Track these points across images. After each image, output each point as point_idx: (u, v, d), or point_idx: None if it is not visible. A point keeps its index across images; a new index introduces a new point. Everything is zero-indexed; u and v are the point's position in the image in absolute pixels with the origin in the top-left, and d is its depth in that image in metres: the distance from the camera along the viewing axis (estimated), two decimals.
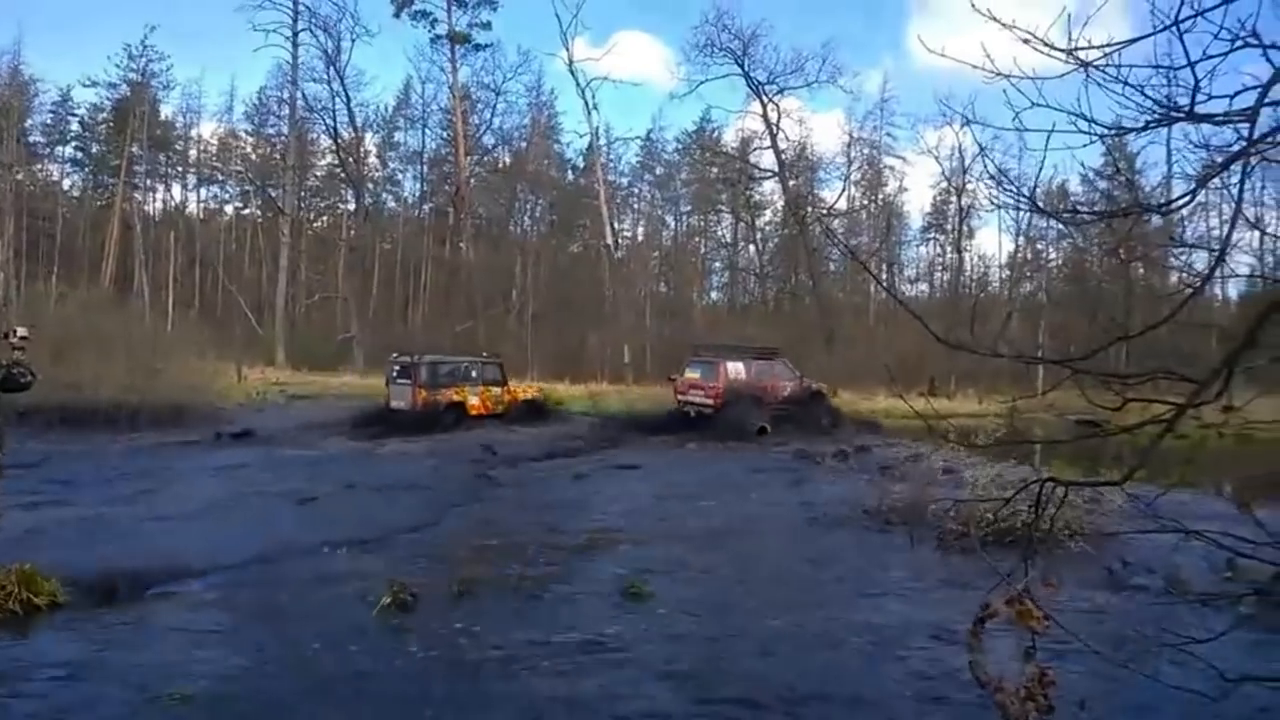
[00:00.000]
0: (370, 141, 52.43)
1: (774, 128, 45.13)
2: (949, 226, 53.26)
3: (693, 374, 19.20)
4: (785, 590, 6.79)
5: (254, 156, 53.52)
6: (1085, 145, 3.67)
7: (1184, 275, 4.38)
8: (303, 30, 44.36)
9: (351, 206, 51.55)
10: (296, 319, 48.69)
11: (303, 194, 53.68)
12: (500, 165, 53.58)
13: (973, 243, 54.30)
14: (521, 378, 41.49)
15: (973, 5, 3.73)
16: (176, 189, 54.93)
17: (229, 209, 56.19)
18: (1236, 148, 3.45)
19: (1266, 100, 3.32)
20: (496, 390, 20.39)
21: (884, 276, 55.19)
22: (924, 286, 56.57)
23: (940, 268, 55.66)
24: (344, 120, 45.54)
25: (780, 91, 44.36)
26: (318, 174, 54.26)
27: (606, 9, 68.64)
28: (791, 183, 48.38)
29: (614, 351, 45.99)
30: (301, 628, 5.57)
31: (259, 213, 53.22)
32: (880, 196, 54.44)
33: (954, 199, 49.02)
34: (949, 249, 54.06)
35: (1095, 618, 5.96)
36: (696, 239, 57.29)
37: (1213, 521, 3.79)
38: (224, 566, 6.94)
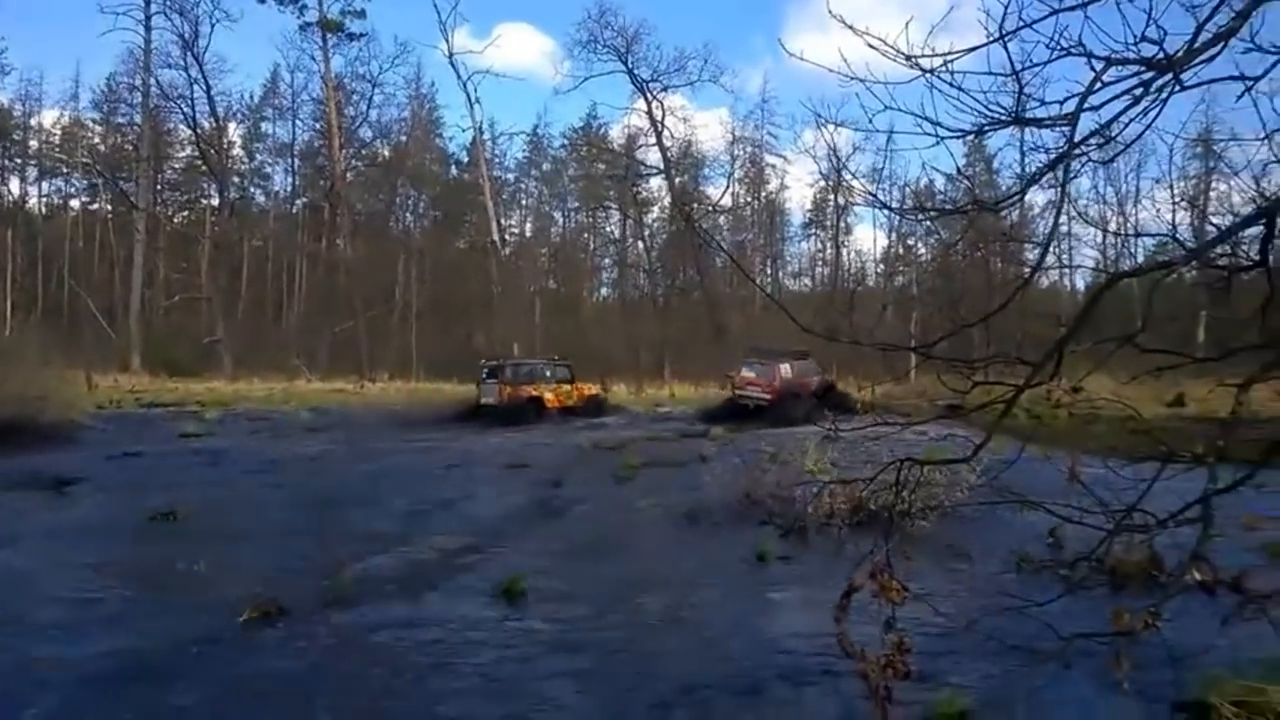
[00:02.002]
0: (234, 132, 50.03)
1: (659, 125, 45.76)
2: (828, 223, 55.34)
3: (749, 373, 22.58)
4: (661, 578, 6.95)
5: (103, 147, 50.09)
6: (931, 146, 3.99)
7: (1019, 267, 4.77)
8: (156, 13, 41.91)
9: (215, 201, 49.02)
10: (154, 321, 45.95)
11: (159, 187, 50.71)
12: (379, 159, 52.12)
13: (850, 238, 56.85)
14: (407, 378, 40.65)
15: (829, 10, 3.99)
16: (15, 182, 50.94)
17: (75, 204, 52.48)
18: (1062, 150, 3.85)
19: (1086, 106, 3.71)
20: (567, 387, 24.00)
21: (769, 271, 56.83)
22: (806, 281, 58.69)
23: (821, 263, 57.74)
24: (204, 109, 43.32)
25: (664, 89, 45.02)
26: (176, 166, 51.36)
27: (487, 0, 67.80)
28: (677, 179, 49.14)
29: (502, 349, 45.56)
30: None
31: (110, 208, 49.87)
32: (763, 194, 56.04)
33: (832, 197, 50.88)
34: (828, 245, 56.16)
35: (950, 588, 6.41)
36: (585, 235, 57.42)
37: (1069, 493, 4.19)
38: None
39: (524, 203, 58.09)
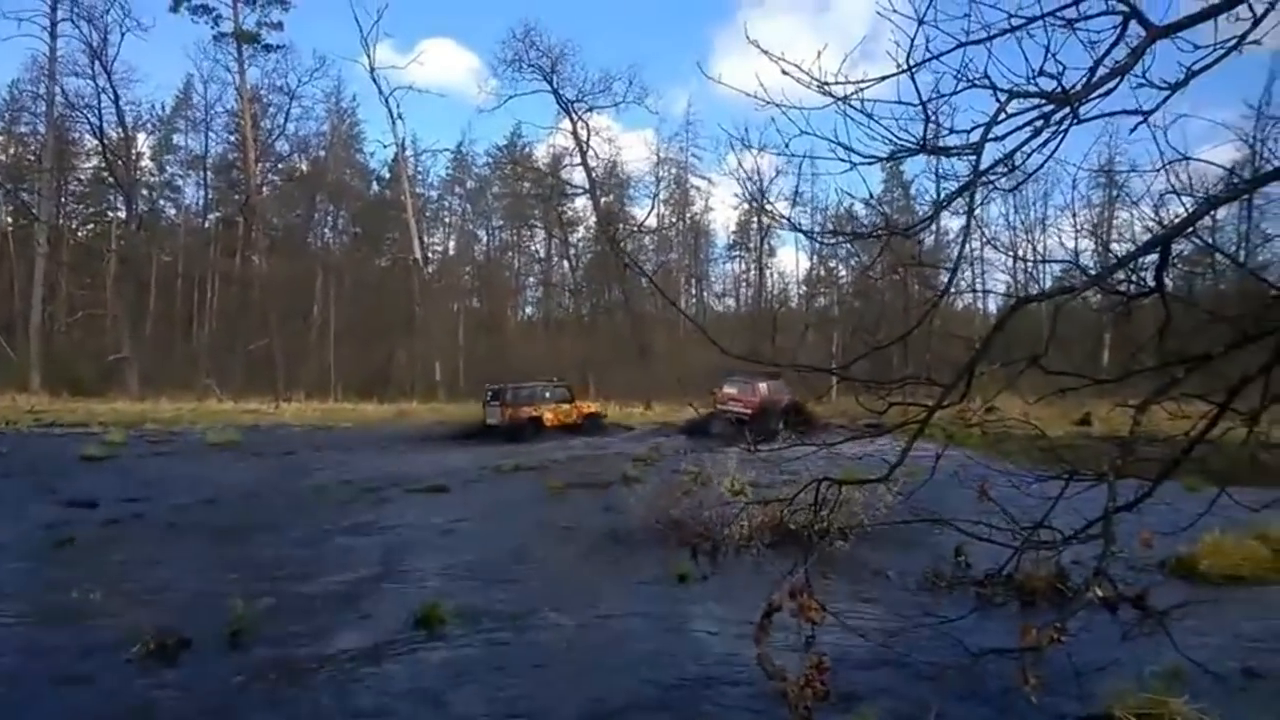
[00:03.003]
0: (144, 143, 48.12)
1: (584, 145, 45.86)
2: (752, 245, 56.24)
3: (730, 389, 24.60)
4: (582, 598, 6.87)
5: (3, 157, 47.56)
6: (845, 172, 4.06)
7: (933, 291, 4.90)
8: (63, 20, 40.05)
9: (122, 213, 46.96)
10: (56, 338, 43.61)
11: (63, 199, 48.31)
12: (296, 173, 50.81)
13: (774, 260, 58.02)
14: (324, 398, 39.51)
15: (746, 36, 4.03)
16: None
17: None
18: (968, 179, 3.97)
19: (990, 136, 3.83)
20: (566, 407, 25.72)
21: (693, 291, 57.40)
22: (731, 301, 59.48)
23: (745, 284, 58.62)
24: (112, 119, 41.50)
25: (589, 110, 45.20)
26: (81, 178, 49.01)
27: (411, 15, 67.18)
28: (603, 199, 49.30)
29: (425, 369, 44.76)
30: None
31: (10, 220, 47.29)
32: (688, 215, 56.68)
33: (755, 219, 51.74)
34: (752, 266, 57.08)
35: (867, 606, 6.50)
36: (509, 254, 57.00)
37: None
38: None
39: (447, 220, 57.47)
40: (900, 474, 4.10)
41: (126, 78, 44.66)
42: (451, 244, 57.67)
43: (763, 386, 24.07)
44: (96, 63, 40.03)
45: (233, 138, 48.42)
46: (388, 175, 53.52)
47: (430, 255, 52.61)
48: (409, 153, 50.37)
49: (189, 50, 58.78)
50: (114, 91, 40.64)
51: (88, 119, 41.96)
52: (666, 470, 14.55)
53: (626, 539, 9.22)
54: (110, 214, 49.49)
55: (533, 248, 56.90)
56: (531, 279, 57.19)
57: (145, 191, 48.87)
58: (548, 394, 25.79)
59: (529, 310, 58.60)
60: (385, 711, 4.57)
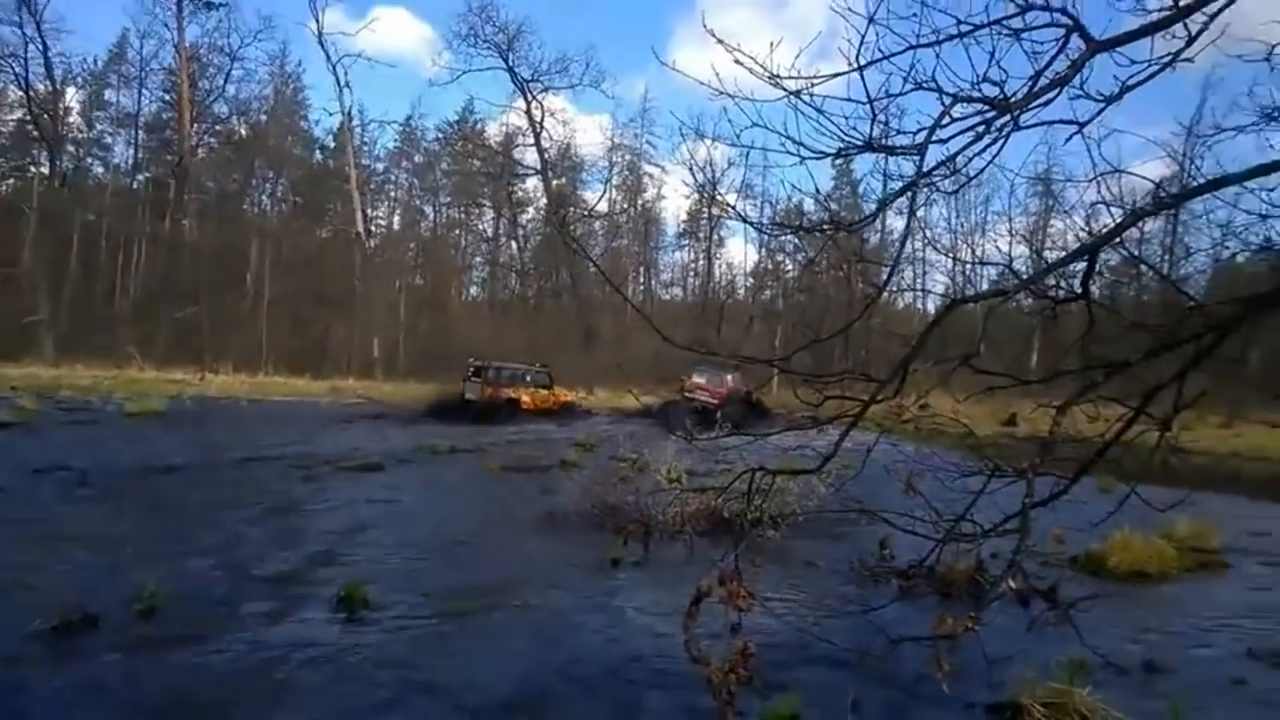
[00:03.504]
0: (72, 98, 46.23)
1: (538, 125, 45.62)
2: (701, 235, 56.56)
3: (699, 379, 25.81)
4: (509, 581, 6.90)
5: None
6: (793, 165, 4.15)
7: (870, 288, 5.04)
8: None
9: (46, 169, 45.06)
10: None
11: None
12: (234, 137, 49.37)
13: (723, 251, 58.23)
14: (254, 372, 38.61)
15: (704, 25, 4.08)
16: None
17: None
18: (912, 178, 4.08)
19: (934, 138, 3.95)
20: (545, 392, 26.47)
21: (641, 279, 57.51)
22: (678, 290, 59.78)
23: (693, 273, 58.98)
24: (39, 71, 39.79)
25: (545, 90, 44.90)
26: (3, 130, 46.88)
27: None
28: (554, 182, 49.07)
29: (363, 346, 44.04)
30: None
31: None
32: (639, 202, 56.73)
33: (705, 210, 52.03)
34: (701, 256, 57.44)
35: (794, 594, 6.67)
36: (456, 232, 56.34)
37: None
38: None
39: (393, 194, 56.50)
40: (834, 466, 4.23)
41: (57, 28, 42.78)
42: (396, 219, 56.82)
43: (729, 378, 25.29)
44: (24, 9, 38.34)
45: (168, 97, 46.91)
46: (332, 144, 52.40)
47: (373, 229, 51.74)
48: (355, 122, 49.48)
49: (125, 4, 56.64)
50: (43, 42, 39.12)
51: (13, 69, 40.22)
52: (605, 457, 14.64)
53: (561, 523, 9.25)
54: (33, 169, 47.45)
55: (480, 227, 56.42)
56: (478, 258, 56.72)
57: (71, 148, 47.04)
58: (529, 377, 26.61)
59: (474, 291, 58.21)
60: (295, 696, 4.53)
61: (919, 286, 45.74)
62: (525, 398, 25.83)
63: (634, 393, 26.15)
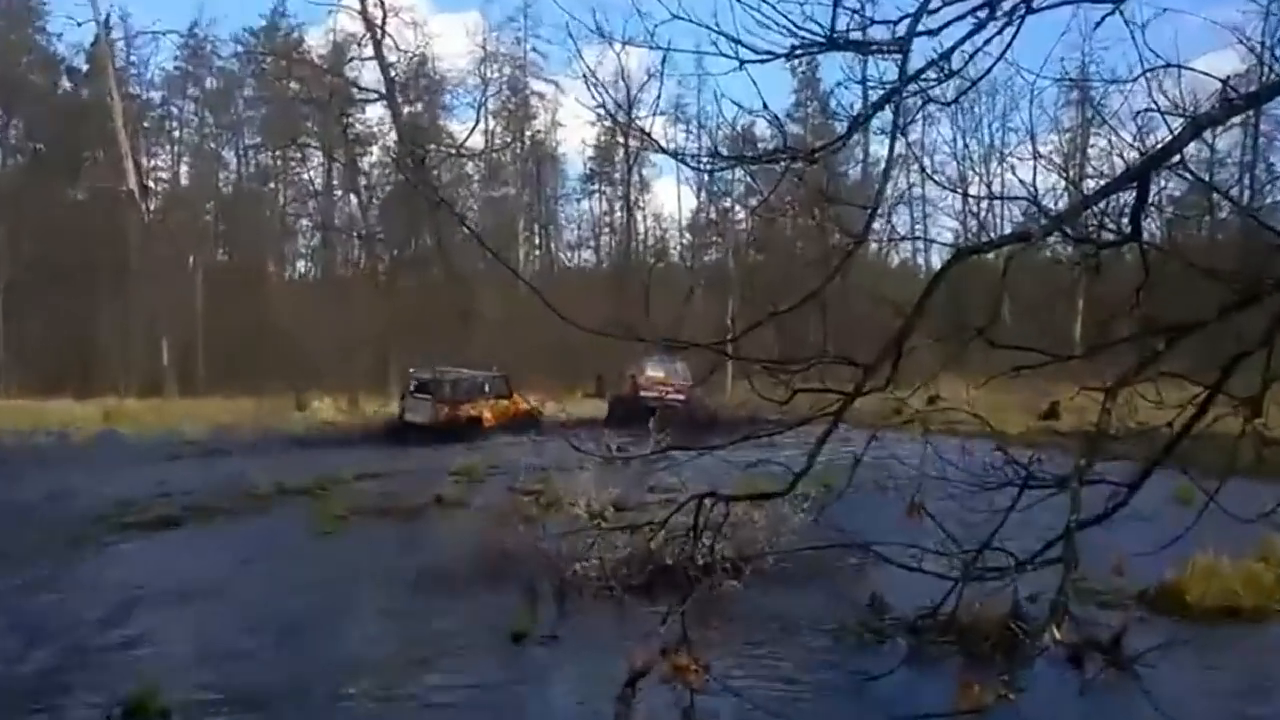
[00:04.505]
0: None
1: (379, 30, 44.75)
2: (617, 176, 56.54)
3: (655, 372, 27.25)
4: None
5: None
6: (731, 72, 4.07)
7: (846, 238, 5.03)
8: None
9: None
10: None
11: None
12: None
13: (648, 198, 58.07)
14: None
15: None
16: None
17: None
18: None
19: (919, 30, 3.91)
20: (505, 403, 27.98)
21: (537, 241, 57.24)
22: (588, 254, 59.68)
23: (608, 229, 58.90)
24: None
25: None
26: None
27: None
28: (406, 109, 48.33)
29: (147, 348, 42.77)
30: None
31: None
32: (528, 133, 56.29)
33: (621, 140, 52.00)
34: (618, 206, 57.41)
35: (766, 662, 6.69)
36: (272, 185, 55.01)
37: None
38: None
39: (177, 136, 54.79)
40: (810, 484, 4.22)
41: None
42: (184, 169, 55.18)
43: (678, 367, 26.46)
44: None
45: None
46: (85, 67, 50.53)
47: (152, 185, 50.13)
48: (117, 34, 47.74)
49: None
50: None
51: None
52: (499, 487, 14.49)
53: (440, 585, 9.18)
54: None
55: (305, 177, 55.13)
56: (304, 220, 55.44)
57: None
58: (487, 387, 28.44)
59: (301, 265, 56.90)
60: None
61: (917, 233, 46.62)
62: (487, 413, 27.44)
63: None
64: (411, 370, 28.55)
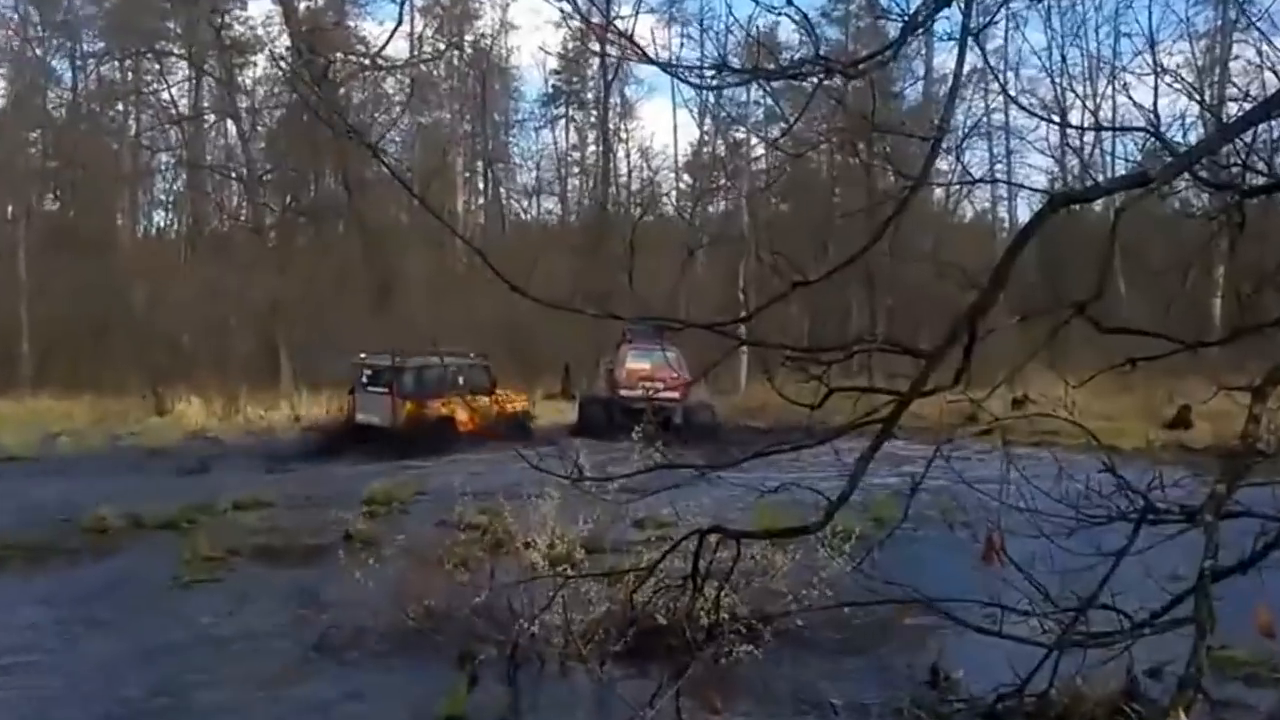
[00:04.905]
0: None
1: None
2: (590, 97, 56.44)
3: (639, 362, 27.58)
4: None
5: None
6: None
7: (901, 182, 5.02)
8: None
9: None
10: None
11: None
12: None
13: (632, 128, 58.00)
14: None
15: None
16: None
17: None
18: None
19: None
20: (485, 400, 28.45)
21: (482, 184, 57.06)
22: (551, 203, 59.57)
23: (577, 169, 58.81)
24: None
25: None
26: None
27: None
28: (303, 4, 48.15)
29: None
30: None
31: None
32: (469, 37, 56.16)
33: (595, 47, 51.86)
34: (591, 138, 57.26)
35: None
36: (121, 108, 54.91)
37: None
38: None
39: None
40: (851, 516, 4.20)
41: None
42: None
43: (671, 356, 26.38)
44: None
45: None
46: None
47: None
48: None
49: None
50: None
51: None
52: (428, 519, 14.42)
53: (343, 653, 9.23)
54: None
55: (165, 96, 55.00)
56: (164, 156, 55.32)
57: None
58: (461, 378, 28.61)
59: (160, 217, 56.72)
60: None
61: (997, 176, 46.37)
62: (461, 414, 27.75)
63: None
64: (362, 355, 28.52)
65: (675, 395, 26.04)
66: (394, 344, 31.93)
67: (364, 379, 27.82)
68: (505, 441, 24.39)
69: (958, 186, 40.17)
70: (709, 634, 6.05)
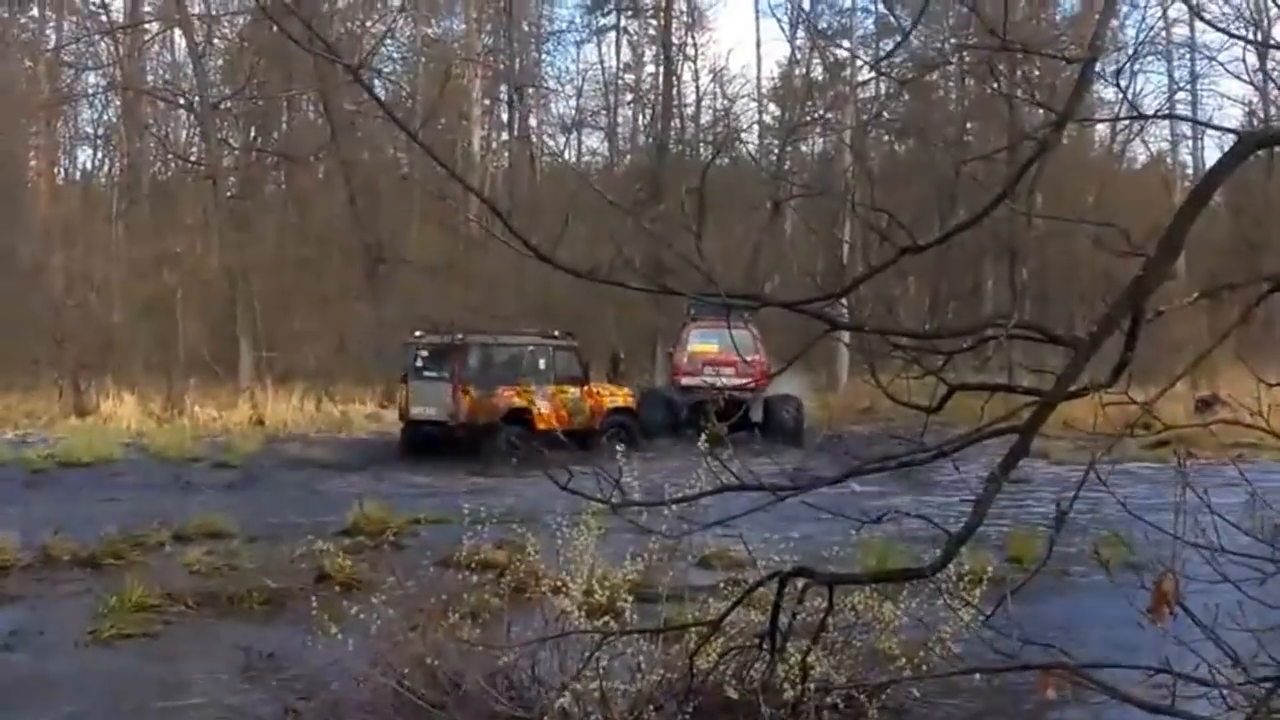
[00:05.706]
0: None
1: None
2: (648, 0, 56.50)
3: (701, 343, 28.74)
4: None
5: None
6: None
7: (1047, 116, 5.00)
8: None
9: None
10: None
11: None
12: None
13: (702, 41, 58.09)
14: None
15: None
16: None
17: None
18: None
19: None
20: (574, 392, 29.25)
21: (507, 117, 57.31)
22: (598, 140, 59.68)
23: (631, 96, 58.93)
24: None
25: None
26: None
27: None
28: None
29: None
30: None
31: None
32: None
33: None
34: (649, 55, 57.38)
35: None
36: (35, 13, 55.59)
37: None
38: None
39: None
40: (978, 554, 4.21)
41: None
42: None
43: (752, 338, 26.31)
44: None
45: None
46: None
47: None
48: None
49: None
50: None
51: None
52: (426, 555, 14.42)
53: None
54: None
55: (100, 6, 55.58)
56: (94, 77, 55.89)
57: None
58: (542, 361, 29.39)
59: (86, 157, 57.34)
60: None
61: (1174, 110, 45.95)
62: (542, 405, 28.31)
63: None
64: (416, 334, 28.56)
65: (749, 384, 26.22)
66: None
67: (418, 361, 27.79)
68: (603, 444, 25.08)
69: (1124, 123, 39.41)
70: (793, 710, 6.07)
